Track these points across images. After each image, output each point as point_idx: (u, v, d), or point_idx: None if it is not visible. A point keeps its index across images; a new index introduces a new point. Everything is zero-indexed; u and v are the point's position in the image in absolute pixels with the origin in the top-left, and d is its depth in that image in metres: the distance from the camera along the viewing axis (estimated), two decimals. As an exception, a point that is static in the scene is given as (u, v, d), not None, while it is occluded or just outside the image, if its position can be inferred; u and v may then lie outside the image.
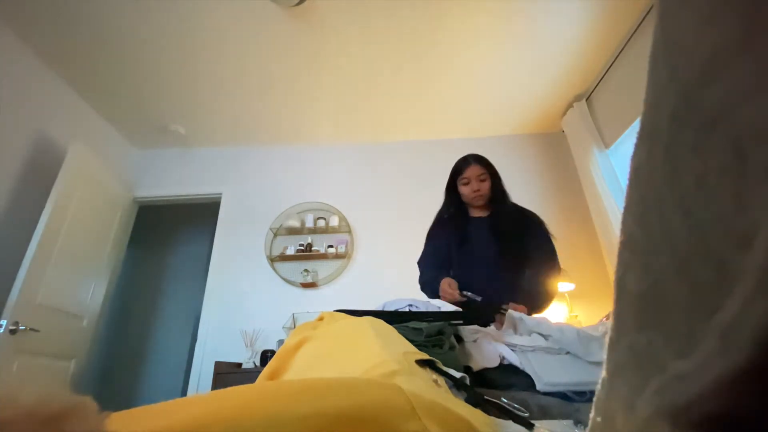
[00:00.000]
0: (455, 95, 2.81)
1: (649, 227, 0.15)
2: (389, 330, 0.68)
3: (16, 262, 1.97)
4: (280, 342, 2.38)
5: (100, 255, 2.59)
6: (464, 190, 1.45)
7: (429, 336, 0.78)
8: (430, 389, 0.43)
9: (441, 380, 0.53)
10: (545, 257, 1.42)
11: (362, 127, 3.11)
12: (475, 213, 1.48)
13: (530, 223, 1.47)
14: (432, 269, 1.45)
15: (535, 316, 1.14)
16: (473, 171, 1.44)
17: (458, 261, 1.40)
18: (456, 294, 1.23)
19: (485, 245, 1.38)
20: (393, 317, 0.87)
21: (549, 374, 0.76)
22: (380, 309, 1.18)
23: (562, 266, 2.73)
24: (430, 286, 1.40)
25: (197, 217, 3.83)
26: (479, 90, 2.77)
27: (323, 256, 2.76)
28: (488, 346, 0.87)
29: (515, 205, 1.52)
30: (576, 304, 2.52)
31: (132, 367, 3.39)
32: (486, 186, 1.44)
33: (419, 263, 1.55)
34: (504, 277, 1.35)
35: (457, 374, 0.58)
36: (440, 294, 1.28)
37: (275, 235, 2.89)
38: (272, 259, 2.79)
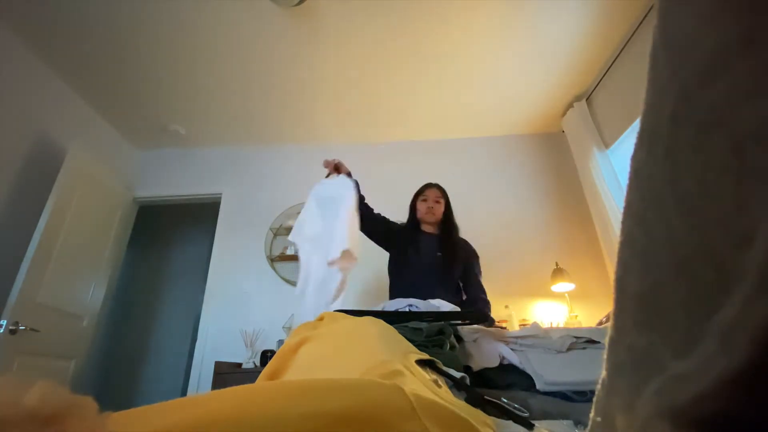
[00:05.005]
0: (455, 95, 2.81)
1: (649, 227, 0.15)
2: (389, 330, 0.68)
3: (16, 262, 1.97)
4: (280, 342, 2.38)
5: (100, 255, 2.59)
6: (420, 206, 1.75)
7: (429, 336, 0.78)
8: (430, 389, 0.43)
9: (441, 380, 0.53)
10: (478, 285, 1.68)
11: (362, 127, 3.11)
12: (427, 229, 1.74)
13: (471, 253, 1.75)
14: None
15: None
16: (432, 193, 1.76)
17: (405, 261, 1.65)
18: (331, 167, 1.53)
19: (432, 254, 1.62)
20: (393, 317, 0.87)
21: (549, 374, 0.76)
22: (380, 309, 1.18)
23: (561, 267, 2.74)
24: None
25: (197, 217, 3.82)
26: (479, 90, 2.77)
27: (323, 256, 2.75)
28: (488, 346, 0.87)
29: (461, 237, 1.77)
30: (576, 304, 2.52)
31: (132, 367, 3.39)
32: (439, 208, 1.72)
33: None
34: (447, 282, 1.59)
35: (457, 374, 0.58)
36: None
37: (275, 235, 2.88)
38: (272, 259, 2.79)
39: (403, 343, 0.63)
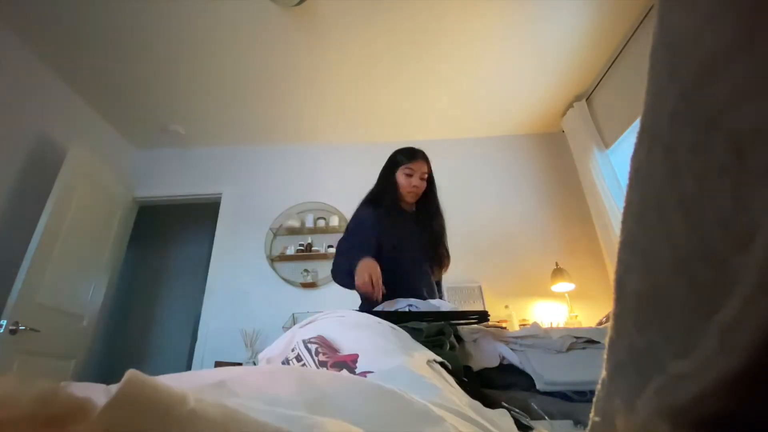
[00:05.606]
0: (455, 95, 2.81)
1: (649, 227, 0.15)
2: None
3: (16, 262, 1.97)
4: (280, 342, 2.37)
5: (100, 255, 2.59)
6: (403, 181, 1.40)
7: (429, 336, 0.77)
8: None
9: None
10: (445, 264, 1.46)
11: (362, 127, 3.11)
12: (405, 207, 1.45)
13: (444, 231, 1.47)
14: (357, 251, 1.23)
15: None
16: (420, 166, 1.41)
17: (394, 254, 1.28)
18: (379, 294, 1.07)
19: (416, 243, 1.35)
20: (393, 317, 0.87)
21: (549, 373, 0.76)
22: (380, 309, 1.18)
23: (561, 267, 2.73)
24: (347, 272, 1.19)
25: (197, 217, 3.82)
26: (479, 90, 2.77)
27: (323, 256, 2.75)
28: (488, 346, 0.87)
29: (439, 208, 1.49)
30: (576, 304, 2.52)
31: (132, 367, 3.36)
32: (423, 186, 1.42)
33: (339, 244, 1.36)
34: (429, 276, 1.35)
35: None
36: (356, 282, 1.10)
37: (275, 235, 2.88)
38: (272, 259, 2.79)
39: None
